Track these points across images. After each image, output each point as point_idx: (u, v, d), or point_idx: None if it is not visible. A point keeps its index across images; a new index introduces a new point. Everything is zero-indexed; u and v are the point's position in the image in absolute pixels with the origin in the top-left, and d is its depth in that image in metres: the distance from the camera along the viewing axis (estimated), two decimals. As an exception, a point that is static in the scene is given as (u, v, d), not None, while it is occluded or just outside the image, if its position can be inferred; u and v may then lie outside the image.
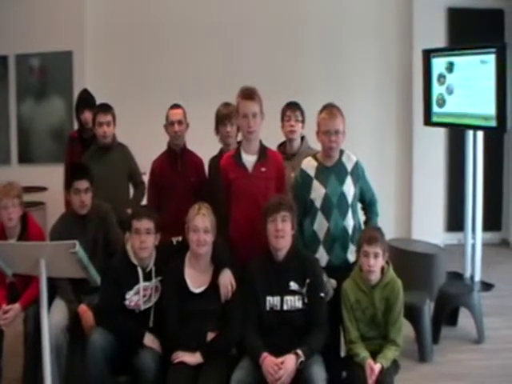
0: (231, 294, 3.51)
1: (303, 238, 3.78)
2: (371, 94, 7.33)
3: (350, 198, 3.76)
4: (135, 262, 3.65)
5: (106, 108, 4.86)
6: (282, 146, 4.59)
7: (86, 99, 5.28)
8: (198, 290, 3.54)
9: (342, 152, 3.83)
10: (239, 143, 4.24)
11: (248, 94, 3.78)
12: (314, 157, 3.86)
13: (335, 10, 7.30)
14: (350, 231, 3.76)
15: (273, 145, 4.21)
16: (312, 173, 3.78)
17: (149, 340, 3.51)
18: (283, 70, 7.14)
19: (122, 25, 7.32)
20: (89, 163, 4.57)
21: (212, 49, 7.23)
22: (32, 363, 3.74)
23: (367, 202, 3.92)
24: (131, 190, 5.05)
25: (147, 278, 3.64)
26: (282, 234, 3.42)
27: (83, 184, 4.00)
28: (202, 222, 3.54)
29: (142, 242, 3.59)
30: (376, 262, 3.47)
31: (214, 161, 4.37)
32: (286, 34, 7.23)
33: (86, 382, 3.48)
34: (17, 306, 3.86)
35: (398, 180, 7.38)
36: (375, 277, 3.50)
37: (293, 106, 4.55)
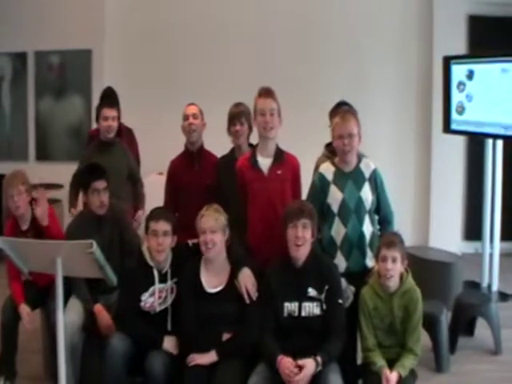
0: (253, 292, 3.48)
1: (321, 243, 3.73)
2: (390, 101, 7.30)
3: (367, 204, 3.70)
4: (151, 263, 3.63)
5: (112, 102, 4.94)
6: (328, 145, 4.41)
7: (109, 97, 5.29)
8: (213, 290, 3.51)
9: (360, 159, 3.78)
10: (250, 145, 4.22)
11: (265, 92, 3.77)
12: (332, 162, 3.81)
13: (356, 16, 7.27)
14: (368, 237, 3.70)
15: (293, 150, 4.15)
16: (330, 177, 3.73)
17: (168, 344, 3.49)
18: (302, 74, 7.13)
19: (141, 24, 7.35)
20: (94, 157, 4.64)
21: (231, 50, 7.24)
22: (52, 358, 3.72)
23: (381, 218, 3.82)
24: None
25: (163, 279, 3.63)
26: (302, 241, 3.39)
27: (101, 184, 3.98)
28: (206, 222, 3.51)
29: (159, 244, 3.57)
30: (394, 267, 3.41)
31: (224, 160, 4.32)
32: (306, 39, 7.22)
33: (100, 381, 3.47)
34: None
35: (416, 187, 7.34)
36: (394, 283, 3.45)
37: (333, 113, 4.28)
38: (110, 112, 4.82)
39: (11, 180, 3.97)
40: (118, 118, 5.12)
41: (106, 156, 4.72)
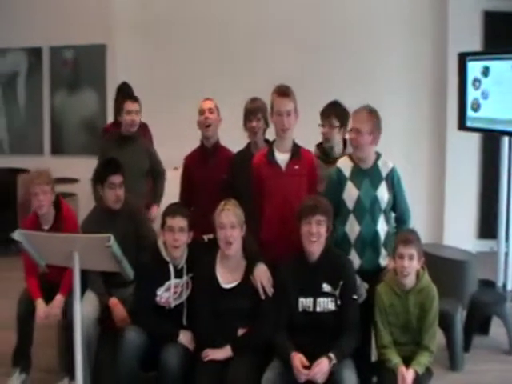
0: (268, 288, 3.46)
1: (335, 239, 3.71)
2: (405, 97, 7.25)
3: (383, 204, 3.69)
4: (167, 258, 3.63)
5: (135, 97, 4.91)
6: (320, 145, 4.42)
7: (128, 91, 5.29)
8: (229, 286, 3.51)
9: (378, 156, 3.77)
10: (267, 141, 4.21)
11: (283, 92, 3.75)
12: (350, 157, 3.80)
13: (369, 11, 7.23)
14: (383, 236, 3.69)
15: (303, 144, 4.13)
16: (347, 173, 3.73)
17: (184, 338, 3.50)
18: (314, 71, 7.10)
19: (154, 19, 7.35)
20: (112, 152, 4.60)
21: (245, 45, 7.22)
22: (68, 350, 3.72)
23: (398, 217, 3.82)
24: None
25: (178, 275, 3.63)
26: (316, 237, 3.38)
27: (117, 178, 3.99)
28: (226, 217, 3.51)
29: (175, 240, 3.56)
30: (411, 264, 3.40)
31: (240, 156, 4.30)
32: (318, 35, 7.17)
33: (113, 374, 3.49)
34: (59, 297, 3.89)
35: (431, 185, 7.30)
36: (410, 280, 3.44)
37: (325, 113, 4.26)
38: (133, 106, 4.80)
39: (37, 178, 3.94)
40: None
41: (125, 150, 4.69)
